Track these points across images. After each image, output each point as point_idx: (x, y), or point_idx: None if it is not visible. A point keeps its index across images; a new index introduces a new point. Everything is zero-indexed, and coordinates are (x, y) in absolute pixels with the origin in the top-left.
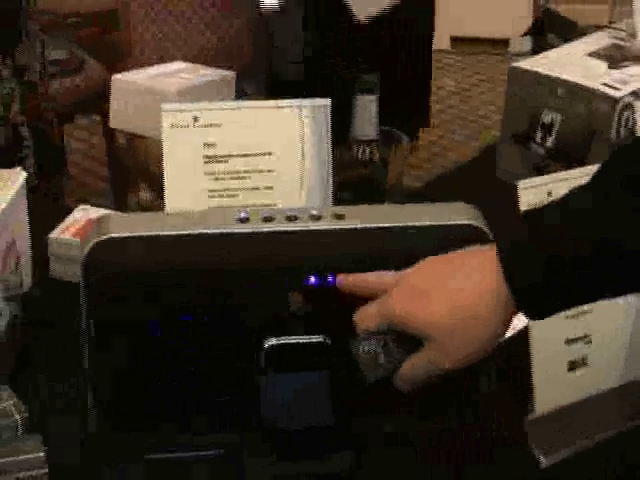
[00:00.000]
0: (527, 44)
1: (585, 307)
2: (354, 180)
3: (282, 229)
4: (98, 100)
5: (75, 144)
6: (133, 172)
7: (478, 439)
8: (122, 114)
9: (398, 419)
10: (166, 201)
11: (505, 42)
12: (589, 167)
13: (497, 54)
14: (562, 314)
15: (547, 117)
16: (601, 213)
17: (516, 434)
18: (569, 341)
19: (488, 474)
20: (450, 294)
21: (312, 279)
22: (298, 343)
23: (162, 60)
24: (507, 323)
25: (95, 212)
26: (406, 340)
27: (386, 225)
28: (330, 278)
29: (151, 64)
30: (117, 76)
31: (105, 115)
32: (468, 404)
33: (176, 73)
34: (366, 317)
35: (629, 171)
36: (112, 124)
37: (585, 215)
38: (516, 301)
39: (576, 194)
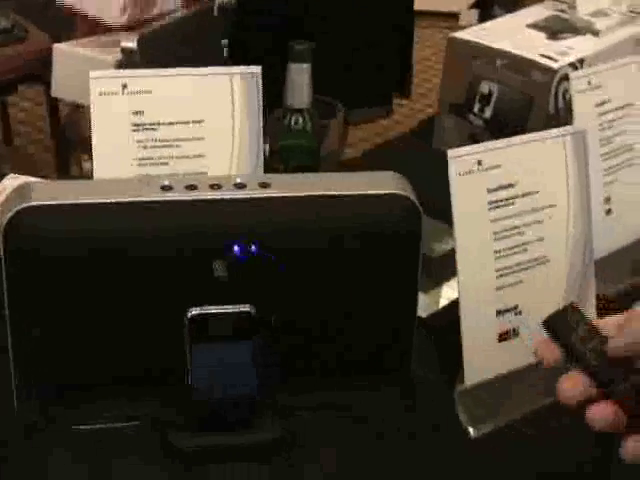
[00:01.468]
0: (474, 17)
1: (516, 278)
2: (286, 150)
3: (205, 197)
4: (42, 70)
5: (20, 115)
6: (76, 143)
7: (406, 410)
8: (64, 84)
9: (325, 390)
10: (94, 169)
11: (455, 15)
12: (519, 137)
13: (447, 28)
14: (492, 285)
15: (485, 88)
16: None
17: (445, 405)
18: (499, 312)
19: (416, 446)
20: None
21: (235, 248)
22: (222, 312)
23: (106, 30)
24: None
25: (26, 180)
26: None
27: (311, 194)
28: (253, 247)
29: (95, 34)
30: (58, 45)
31: (49, 85)
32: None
33: (118, 43)
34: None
35: None
36: (54, 93)
37: None
38: None
39: None
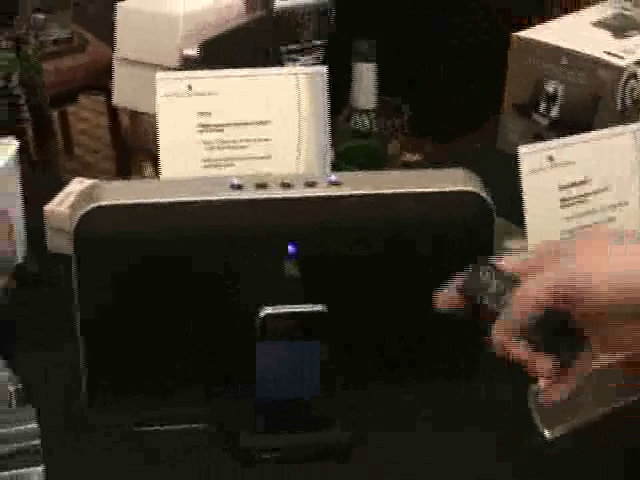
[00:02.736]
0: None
1: None
2: (352, 151)
3: (276, 196)
4: (103, 79)
5: (80, 124)
6: (137, 151)
7: (482, 412)
8: (125, 91)
9: (396, 389)
10: (161, 171)
11: None
12: (590, 133)
13: None
14: None
15: (550, 87)
16: None
17: (520, 407)
18: None
19: (492, 447)
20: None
21: (308, 247)
22: (294, 312)
23: None
24: None
25: (94, 182)
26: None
27: (383, 192)
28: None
29: None
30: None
31: (109, 94)
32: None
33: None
34: (532, 292)
35: None
36: (115, 102)
37: None
38: None
39: None
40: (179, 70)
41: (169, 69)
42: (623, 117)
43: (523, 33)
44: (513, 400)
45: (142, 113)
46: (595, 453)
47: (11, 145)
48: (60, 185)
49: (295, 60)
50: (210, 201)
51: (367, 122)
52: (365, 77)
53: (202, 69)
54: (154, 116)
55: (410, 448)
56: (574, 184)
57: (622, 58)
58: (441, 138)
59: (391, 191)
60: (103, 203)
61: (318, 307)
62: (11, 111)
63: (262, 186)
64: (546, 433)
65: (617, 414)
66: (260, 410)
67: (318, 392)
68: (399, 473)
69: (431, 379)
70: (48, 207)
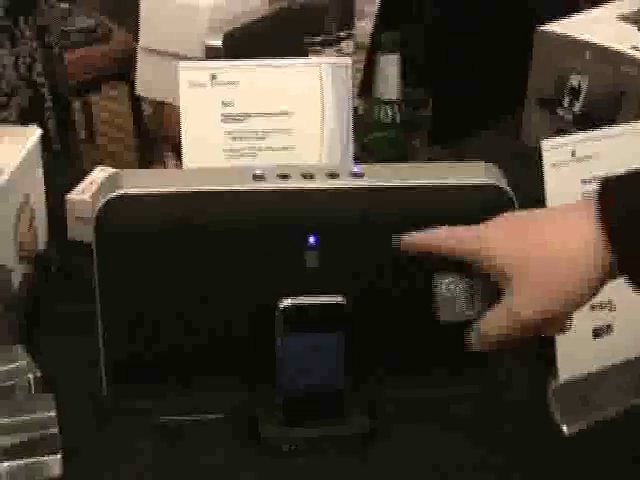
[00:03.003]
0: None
1: None
2: (375, 142)
3: (297, 187)
4: (126, 69)
5: (102, 114)
6: (159, 141)
7: (500, 406)
8: (148, 81)
9: (414, 383)
10: (183, 160)
11: None
12: (613, 127)
13: None
14: None
15: (574, 81)
16: None
17: (539, 402)
18: (593, 307)
19: (509, 442)
20: (542, 230)
21: (328, 238)
22: (314, 303)
23: None
24: (598, 282)
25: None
26: (493, 292)
27: (405, 184)
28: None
29: None
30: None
31: (132, 84)
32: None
33: None
34: (452, 236)
35: None
36: (138, 91)
37: None
38: (613, 251)
39: None
40: (202, 60)
41: (192, 59)
42: None
43: (547, 27)
44: (519, 401)
45: (165, 103)
46: (603, 455)
47: (34, 133)
48: (82, 174)
49: (319, 52)
50: (232, 191)
51: (390, 114)
52: (389, 68)
53: (225, 59)
54: (177, 106)
55: (416, 446)
56: (596, 178)
57: None
58: (459, 135)
59: (413, 183)
60: (125, 191)
61: (337, 298)
62: (33, 100)
63: (284, 177)
64: (564, 428)
65: (632, 413)
66: (282, 401)
67: (342, 383)
68: (405, 472)
69: (439, 377)
70: (70, 195)
